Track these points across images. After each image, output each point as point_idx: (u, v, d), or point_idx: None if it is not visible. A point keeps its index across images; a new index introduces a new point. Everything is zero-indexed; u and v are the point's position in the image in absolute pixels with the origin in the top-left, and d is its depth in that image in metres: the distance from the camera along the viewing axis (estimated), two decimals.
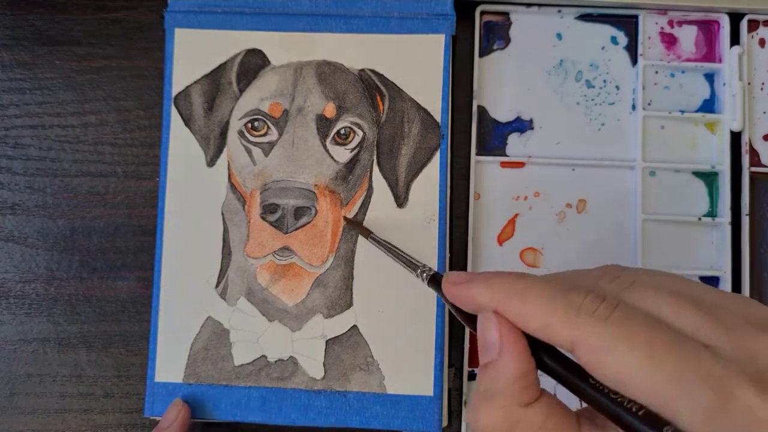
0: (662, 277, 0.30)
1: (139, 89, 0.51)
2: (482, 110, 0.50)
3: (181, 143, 0.49)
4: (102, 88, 0.51)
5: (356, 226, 0.47)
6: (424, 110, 0.48)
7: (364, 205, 0.48)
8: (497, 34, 0.51)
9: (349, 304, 0.47)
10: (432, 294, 0.46)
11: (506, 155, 0.50)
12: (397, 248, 0.43)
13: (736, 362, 0.25)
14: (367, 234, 0.46)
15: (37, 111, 0.51)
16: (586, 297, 0.28)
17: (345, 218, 0.47)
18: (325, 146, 0.48)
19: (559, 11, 0.50)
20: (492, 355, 0.30)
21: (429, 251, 0.47)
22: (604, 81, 0.50)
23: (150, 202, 0.50)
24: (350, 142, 0.48)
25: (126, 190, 0.51)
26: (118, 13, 0.52)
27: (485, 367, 0.31)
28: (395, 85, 0.48)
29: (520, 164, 0.49)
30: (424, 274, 0.39)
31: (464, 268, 0.48)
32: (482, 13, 0.50)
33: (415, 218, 0.48)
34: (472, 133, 0.49)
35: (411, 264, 0.41)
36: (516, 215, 0.49)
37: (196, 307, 0.48)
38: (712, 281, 0.48)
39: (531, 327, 0.29)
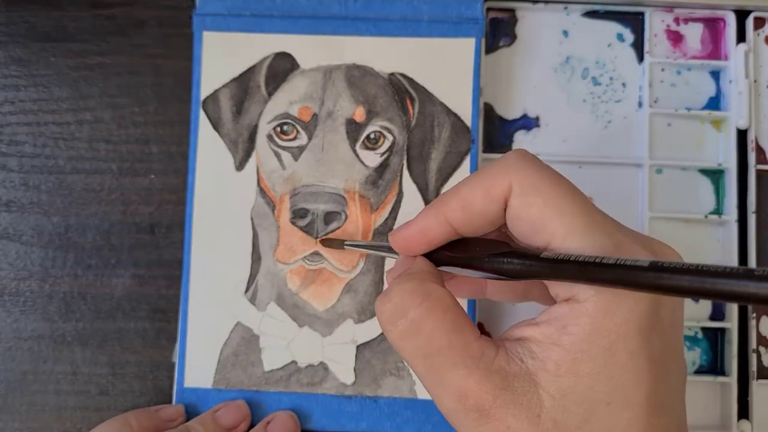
0: None
1: (135, 86, 0.51)
2: (488, 107, 0.50)
3: (210, 147, 0.48)
4: (97, 84, 0.51)
5: (332, 243, 0.46)
6: (455, 114, 0.48)
7: (394, 210, 0.47)
8: (503, 31, 0.50)
9: None
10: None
11: None
12: (377, 243, 0.43)
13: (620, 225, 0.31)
14: (342, 245, 0.45)
15: (32, 108, 0.50)
16: (513, 150, 0.33)
17: (322, 241, 0.47)
18: (354, 151, 0.47)
19: (566, 8, 0.50)
20: (408, 265, 0.35)
21: None
22: (611, 78, 0.50)
23: (145, 199, 0.50)
24: (380, 146, 0.48)
25: (121, 187, 0.50)
26: (114, 10, 0.51)
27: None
28: (425, 89, 0.48)
29: None
30: None
31: None
32: (488, 9, 0.50)
33: None
34: (478, 130, 0.48)
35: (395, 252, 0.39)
36: None
37: (226, 313, 0.47)
38: None
39: (476, 202, 0.32)
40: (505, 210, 0.31)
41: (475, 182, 0.32)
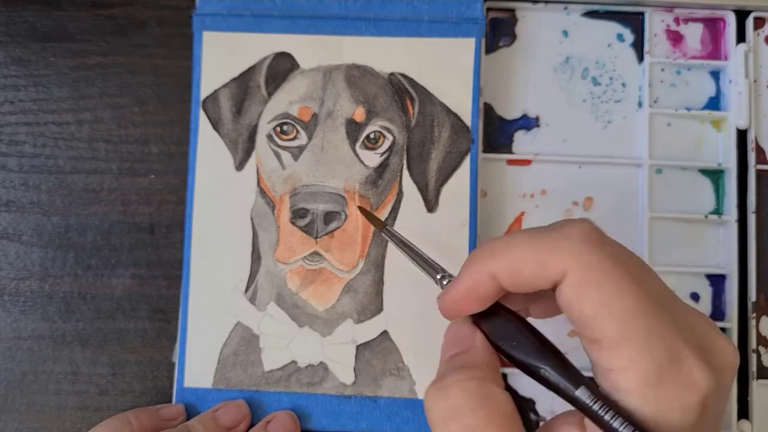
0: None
1: (135, 86, 0.51)
2: (488, 107, 0.50)
3: (210, 147, 0.48)
4: (97, 84, 0.51)
5: (370, 216, 0.45)
6: (454, 114, 0.48)
7: (394, 210, 0.47)
8: (503, 31, 0.50)
9: (380, 309, 0.47)
10: None
11: (512, 153, 0.49)
12: (415, 247, 0.40)
13: (681, 329, 0.27)
14: (382, 226, 0.42)
15: (32, 108, 0.50)
16: (578, 222, 0.30)
17: (359, 207, 0.46)
18: (354, 150, 0.47)
19: (566, 8, 0.50)
20: (465, 345, 0.32)
21: (459, 257, 0.46)
22: (611, 78, 0.50)
23: (145, 199, 0.50)
24: (380, 146, 0.48)
25: (121, 187, 0.50)
26: (114, 10, 0.51)
27: (455, 356, 0.32)
28: (425, 89, 0.48)
29: (527, 162, 0.49)
30: (445, 281, 0.36)
31: None
32: (488, 9, 0.50)
33: (446, 223, 0.47)
34: (478, 130, 0.48)
35: (430, 267, 0.37)
36: (522, 213, 0.49)
37: (226, 313, 0.47)
38: (719, 279, 0.48)
39: (525, 272, 0.29)
40: (555, 288, 0.29)
41: (527, 250, 0.30)
